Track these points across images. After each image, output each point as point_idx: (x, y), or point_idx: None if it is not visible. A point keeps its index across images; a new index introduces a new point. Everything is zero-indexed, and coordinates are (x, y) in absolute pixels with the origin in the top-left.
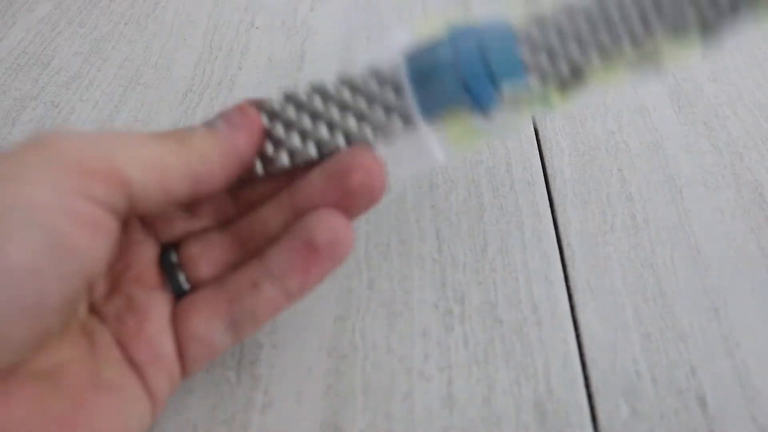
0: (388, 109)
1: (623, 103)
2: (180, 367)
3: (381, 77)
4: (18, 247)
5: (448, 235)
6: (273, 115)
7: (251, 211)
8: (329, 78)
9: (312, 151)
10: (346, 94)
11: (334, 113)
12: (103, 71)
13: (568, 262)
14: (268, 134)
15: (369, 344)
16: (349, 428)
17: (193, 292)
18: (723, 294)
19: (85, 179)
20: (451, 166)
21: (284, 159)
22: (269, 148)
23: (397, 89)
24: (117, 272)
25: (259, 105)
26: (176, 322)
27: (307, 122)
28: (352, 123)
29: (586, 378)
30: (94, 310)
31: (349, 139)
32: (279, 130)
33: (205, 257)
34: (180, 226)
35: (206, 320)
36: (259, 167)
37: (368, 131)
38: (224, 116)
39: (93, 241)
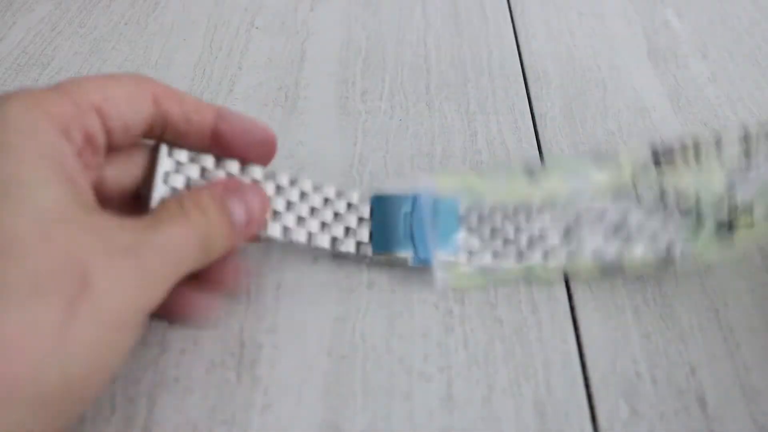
0: (347, 230)
1: (623, 103)
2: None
3: (351, 204)
4: None
5: None
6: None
7: None
8: (308, 181)
9: (277, 231)
10: (317, 201)
11: (304, 211)
12: (103, 71)
13: None
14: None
15: (369, 344)
16: (349, 428)
17: None
18: (723, 294)
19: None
20: (450, 166)
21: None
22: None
23: (360, 219)
24: None
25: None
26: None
27: (284, 207)
28: (314, 225)
29: (586, 378)
30: None
31: (310, 238)
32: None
33: None
34: None
35: None
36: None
37: (326, 239)
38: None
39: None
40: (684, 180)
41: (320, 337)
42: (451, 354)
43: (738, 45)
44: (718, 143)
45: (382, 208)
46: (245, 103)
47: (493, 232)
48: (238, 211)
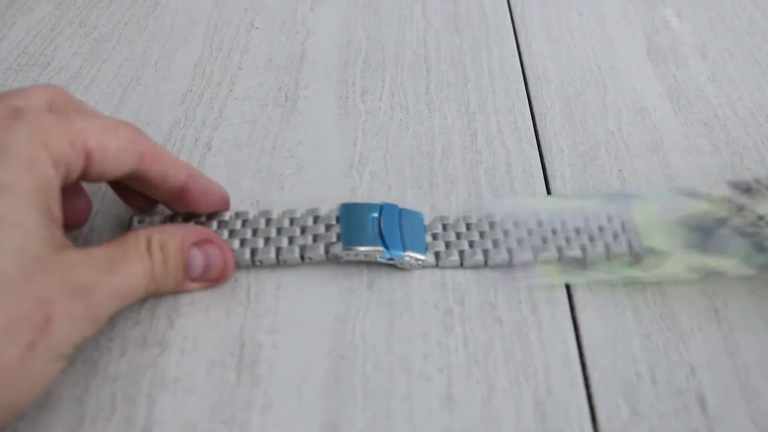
0: (315, 237)
1: (623, 103)
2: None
3: (319, 216)
4: None
5: None
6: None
7: None
8: (277, 209)
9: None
10: (285, 222)
11: (273, 233)
12: (103, 71)
13: None
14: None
15: (369, 344)
16: (349, 428)
17: None
18: (723, 294)
19: None
20: (450, 166)
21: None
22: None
23: (328, 226)
24: None
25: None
26: None
27: (250, 235)
28: (284, 243)
29: (586, 378)
30: None
31: (278, 254)
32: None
33: None
34: None
35: None
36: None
37: (296, 250)
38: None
39: None
40: None
41: (320, 337)
42: (451, 354)
43: (738, 45)
44: None
45: (349, 214)
46: (245, 103)
47: (459, 235)
48: (197, 265)
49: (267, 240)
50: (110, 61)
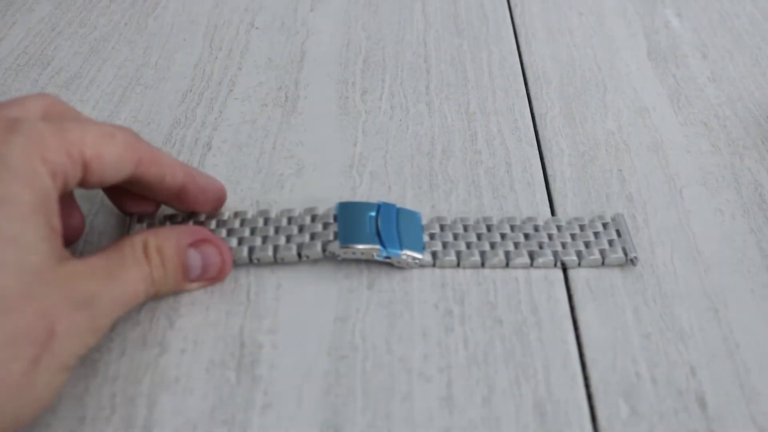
0: (312, 236)
1: (623, 103)
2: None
3: (317, 215)
4: None
5: None
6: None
7: None
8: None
9: (245, 253)
10: (283, 221)
11: (270, 232)
12: (103, 71)
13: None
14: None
15: (369, 344)
16: (349, 428)
17: None
18: (723, 294)
19: None
20: (450, 166)
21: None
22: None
23: (325, 224)
24: None
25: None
26: None
27: (248, 234)
28: (282, 241)
29: (586, 378)
30: None
31: (275, 252)
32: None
33: None
34: None
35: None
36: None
37: (293, 248)
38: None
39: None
40: None
41: (320, 337)
42: (451, 354)
43: (738, 45)
44: None
45: (347, 212)
46: (245, 103)
47: (456, 237)
48: (195, 265)
49: (265, 238)
50: (110, 61)
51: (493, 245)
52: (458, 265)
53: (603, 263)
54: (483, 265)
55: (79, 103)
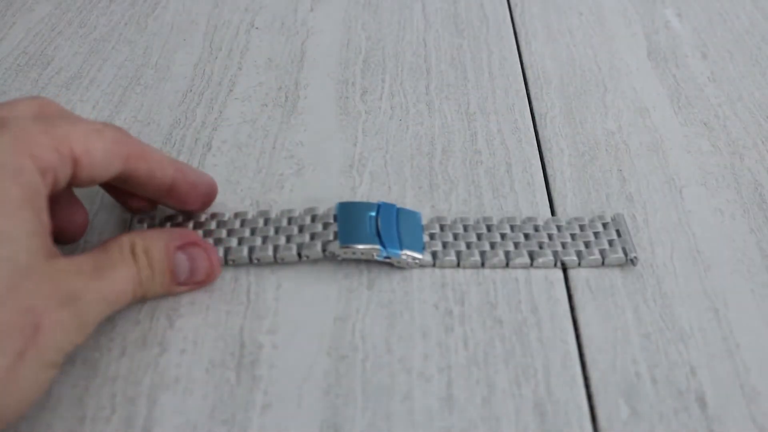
0: (312, 236)
1: (623, 103)
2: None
3: (317, 215)
4: None
5: None
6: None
7: None
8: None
9: (245, 252)
10: (283, 222)
11: (270, 232)
12: (103, 71)
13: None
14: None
15: (369, 344)
16: (349, 428)
17: None
18: (723, 294)
19: None
20: (450, 166)
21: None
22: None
23: (325, 224)
24: None
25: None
26: None
27: (248, 234)
28: (282, 241)
29: (586, 378)
30: None
31: (275, 252)
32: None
33: None
34: None
35: None
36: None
37: (293, 248)
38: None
39: None
40: None
41: (320, 337)
42: (451, 354)
43: (738, 45)
44: None
45: (347, 212)
46: (245, 103)
47: (456, 236)
48: (183, 269)
49: (265, 239)
50: (110, 61)
51: (493, 245)
52: (458, 265)
53: (603, 263)
54: (483, 265)
55: (79, 103)
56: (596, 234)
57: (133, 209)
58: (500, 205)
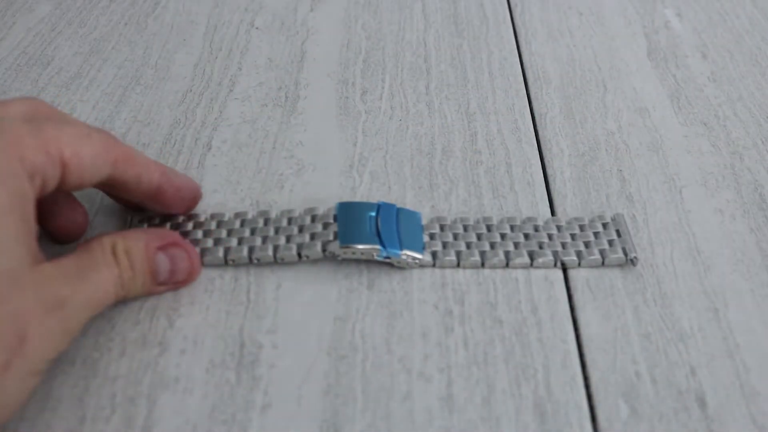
0: (312, 236)
1: (623, 103)
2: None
3: (316, 215)
4: None
5: None
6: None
7: None
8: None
9: (245, 252)
10: (283, 222)
11: (271, 232)
12: (103, 71)
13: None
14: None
15: (369, 345)
16: (349, 429)
17: None
18: (723, 294)
19: None
20: (450, 166)
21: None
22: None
23: (325, 224)
24: None
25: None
26: None
27: (248, 234)
28: (282, 241)
29: (586, 378)
30: None
31: (275, 252)
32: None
33: None
34: None
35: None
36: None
37: (293, 248)
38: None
39: None
40: None
41: (320, 337)
42: (451, 354)
43: (738, 45)
44: None
45: (347, 212)
46: (245, 103)
47: (456, 237)
48: (163, 269)
49: (265, 239)
50: (110, 61)
51: (493, 245)
52: (458, 265)
53: (603, 263)
54: (483, 265)
55: (79, 103)
56: (596, 234)
57: (129, 206)
58: (500, 205)
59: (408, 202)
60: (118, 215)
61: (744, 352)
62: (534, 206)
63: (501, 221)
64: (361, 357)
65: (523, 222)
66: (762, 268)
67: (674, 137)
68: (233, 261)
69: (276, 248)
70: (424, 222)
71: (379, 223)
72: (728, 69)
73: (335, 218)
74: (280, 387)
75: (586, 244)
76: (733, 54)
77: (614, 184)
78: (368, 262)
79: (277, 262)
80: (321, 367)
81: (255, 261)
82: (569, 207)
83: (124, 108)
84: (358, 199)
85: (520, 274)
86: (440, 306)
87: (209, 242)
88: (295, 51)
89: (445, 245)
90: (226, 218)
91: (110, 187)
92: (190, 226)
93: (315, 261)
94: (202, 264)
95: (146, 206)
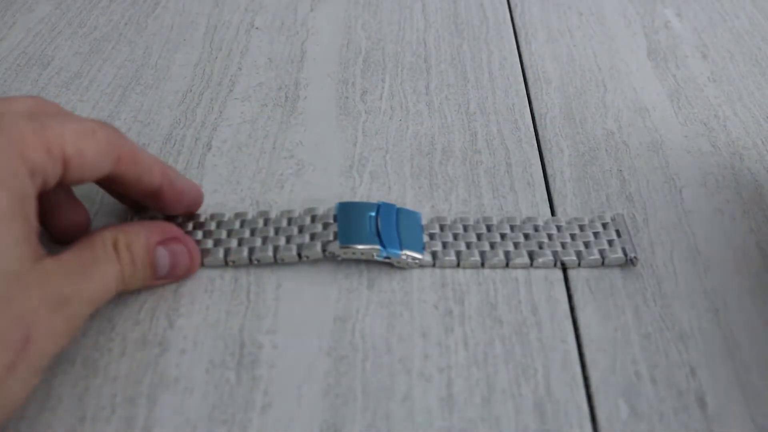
0: (312, 236)
1: (623, 103)
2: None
3: (316, 215)
4: None
5: None
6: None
7: None
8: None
9: (245, 253)
10: (283, 222)
11: (270, 232)
12: (103, 71)
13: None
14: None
15: (369, 344)
16: (349, 429)
17: None
18: (723, 294)
19: None
20: (450, 166)
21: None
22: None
23: (325, 224)
24: None
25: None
26: None
27: (248, 234)
28: (282, 241)
29: (586, 378)
30: None
31: (276, 252)
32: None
33: None
34: None
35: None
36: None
37: (293, 249)
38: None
39: None
40: None
41: (320, 337)
42: (451, 354)
43: (738, 45)
44: None
45: (347, 212)
46: (245, 103)
47: (456, 236)
48: (164, 264)
49: (265, 239)
50: (110, 61)
51: (493, 245)
52: (458, 265)
53: (603, 263)
54: (483, 265)
55: (79, 103)
56: (596, 234)
57: (129, 204)
58: (500, 205)
59: (408, 202)
60: (119, 216)
61: (744, 352)
62: (534, 206)
63: (501, 221)
64: (361, 357)
65: (523, 222)
66: (762, 268)
67: (674, 137)
68: (233, 262)
69: (276, 249)
70: (424, 222)
71: (379, 223)
72: (728, 69)
73: (335, 218)
74: (280, 387)
75: (586, 244)
76: (733, 54)
77: (614, 184)
78: (368, 262)
79: (277, 262)
80: (321, 367)
81: (255, 262)
82: (569, 207)
83: (124, 108)
84: (358, 199)
85: (520, 274)
86: (440, 306)
87: (209, 243)
88: (295, 51)
89: (445, 245)
90: (225, 218)
91: (109, 182)
92: (190, 226)
93: (315, 261)
94: (202, 265)
95: (144, 204)
